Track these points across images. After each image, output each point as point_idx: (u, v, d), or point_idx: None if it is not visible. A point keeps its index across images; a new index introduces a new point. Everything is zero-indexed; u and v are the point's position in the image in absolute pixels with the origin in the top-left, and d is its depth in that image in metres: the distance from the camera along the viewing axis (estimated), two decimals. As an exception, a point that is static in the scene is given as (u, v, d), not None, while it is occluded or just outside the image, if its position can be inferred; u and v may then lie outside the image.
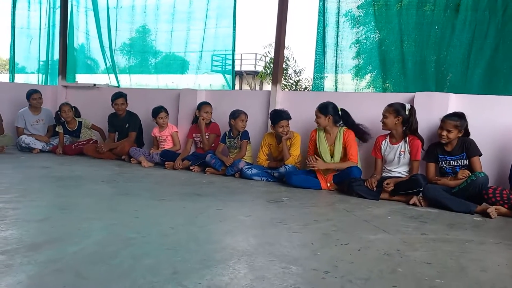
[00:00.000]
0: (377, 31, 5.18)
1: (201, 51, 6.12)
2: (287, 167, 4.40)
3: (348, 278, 1.84)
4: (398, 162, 3.97)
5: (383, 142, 4.09)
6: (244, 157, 4.81)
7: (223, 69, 6.73)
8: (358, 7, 5.24)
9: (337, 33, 5.21)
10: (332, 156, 4.26)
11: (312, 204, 3.50)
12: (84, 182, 3.92)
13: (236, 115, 4.90)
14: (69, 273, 1.73)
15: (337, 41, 5.22)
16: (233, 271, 1.85)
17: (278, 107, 5.06)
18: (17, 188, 3.39)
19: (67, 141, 6.00)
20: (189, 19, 6.16)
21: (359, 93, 5.14)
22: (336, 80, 5.29)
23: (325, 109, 4.25)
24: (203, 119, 5.15)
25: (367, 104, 4.63)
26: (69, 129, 5.96)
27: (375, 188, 3.81)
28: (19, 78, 7.76)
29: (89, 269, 1.78)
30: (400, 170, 3.97)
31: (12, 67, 7.68)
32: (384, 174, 4.03)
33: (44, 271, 1.74)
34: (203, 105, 5.26)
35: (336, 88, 5.23)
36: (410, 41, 4.90)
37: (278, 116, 4.55)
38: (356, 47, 5.30)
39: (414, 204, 3.55)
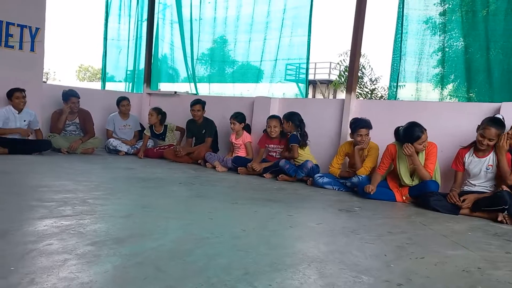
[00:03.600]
0: (461, 38, 4.93)
1: (276, 59, 6.24)
2: (360, 177, 4.31)
3: (422, 292, 1.78)
4: (485, 176, 3.70)
5: (467, 155, 3.83)
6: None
7: (297, 78, 6.78)
8: (440, 14, 5.04)
9: (417, 40, 5.05)
10: (412, 175, 4.03)
11: (386, 216, 3.40)
12: (163, 184, 4.15)
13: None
14: (149, 266, 1.86)
15: (416, 49, 5.06)
16: (303, 276, 1.86)
17: (351, 116, 5.00)
18: (105, 187, 3.68)
19: (149, 145, 6.39)
20: (266, 29, 6.31)
21: (439, 102, 4.90)
22: (416, 89, 5.12)
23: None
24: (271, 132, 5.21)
25: (448, 114, 4.42)
26: (155, 132, 6.36)
27: (460, 202, 3.55)
28: (109, 86, 8.42)
29: (167, 264, 1.89)
30: (486, 185, 3.71)
31: (104, 76, 8.37)
32: (465, 188, 3.79)
33: (127, 263, 1.89)
34: (269, 118, 5.30)
35: (417, 98, 5.05)
36: (497, 48, 4.60)
37: (358, 124, 4.48)
38: (437, 55, 5.09)
39: (501, 222, 3.31)
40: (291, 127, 5.04)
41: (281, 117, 5.16)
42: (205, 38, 7.14)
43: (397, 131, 4.09)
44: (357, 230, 2.79)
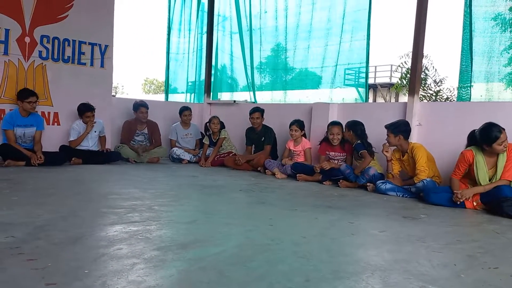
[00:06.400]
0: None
1: (336, 65, 6.17)
2: (424, 181, 4.13)
3: (496, 305, 1.67)
4: None
5: None
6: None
7: (356, 82, 6.65)
8: (510, 9, 4.74)
9: (485, 39, 4.80)
10: (491, 179, 3.78)
11: (454, 223, 3.23)
12: (225, 191, 4.23)
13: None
14: (212, 271, 1.90)
15: (485, 48, 4.81)
16: (366, 285, 1.82)
17: (415, 120, 4.82)
18: (169, 194, 3.83)
19: (208, 153, 6.55)
20: (327, 35, 6.27)
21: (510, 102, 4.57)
22: (487, 89, 4.85)
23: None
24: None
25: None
26: (213, 140, 6.52)
27: None
28: (172, 97, 8.78)
29: (230, 270, 1.93)
30: None
31: (167, 88, 8.74)
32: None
33: (191, 267, 1.95)
34: (331, 125, 5.18)
35: (488, 98, 4.77)
36: None
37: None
38: (508, 53, 4.79)
39: None
40: (352, 136, 4.91)
41: (344, 124, 5.03)
42: (263, 47, 7.25)
43: (472, 135, 3.88)
44: (424, 238, 2.67)
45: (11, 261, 1.92)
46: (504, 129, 3.61)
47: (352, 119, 4.99)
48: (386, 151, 4.52)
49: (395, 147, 4.51)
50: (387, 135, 4.47)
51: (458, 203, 3.73)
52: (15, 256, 1.97)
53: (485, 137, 3.65)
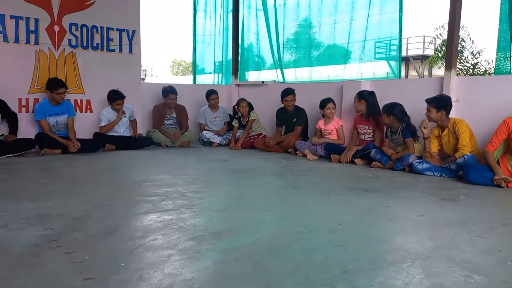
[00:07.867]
0: None
1: (364, 40, 5.95)
2: (466, 157, 3.96)
3: (549, 297, 1.58)
4: None
5: None
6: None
7: (387, 55, 6.40)
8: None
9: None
10: None
11: (497, 205, 3.09)
12: (256, 175, 4.20)
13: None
14: (248, 262, 1.88)
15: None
16: (407, 275, 1.75)
17: (452, 95, 4.61)
18: (201, 179, 3.83)
19: (238, 135, 6.54)
20: (352, 8, 6.04)
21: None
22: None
23: None
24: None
25: None
26: (242, 122, 6.48)
27: None
28: (200, 78, 8.74)
29: (265, 260, 1.90)
30: None
31: (194, 71, 8.71)
32: None
33: (226, 258, 1.93)
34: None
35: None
36: None
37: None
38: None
39: None
40: (393, 121, 4.61)
41: (381, 109, 4.80)
42: (289, 23, 7.06)
43: None
44: (465, 221, 2.57)
45: (50, 255, 1.95)
46: None
47: (387, 103, 4.69)
48: (424, 127, 4.34)
49: (434, 123, 4.33)
50: (427, 110, 4.27)
51: (503, 187, 3.57)
52: (53, 250, 2.01)
53: None
